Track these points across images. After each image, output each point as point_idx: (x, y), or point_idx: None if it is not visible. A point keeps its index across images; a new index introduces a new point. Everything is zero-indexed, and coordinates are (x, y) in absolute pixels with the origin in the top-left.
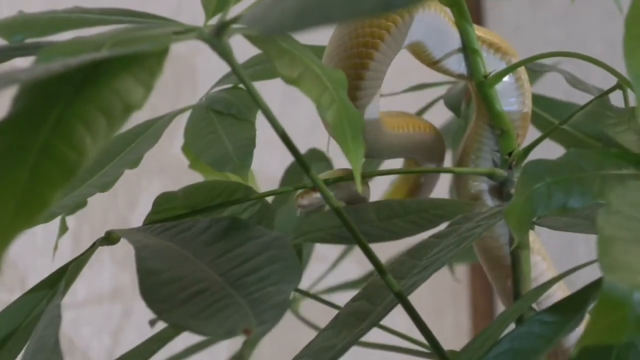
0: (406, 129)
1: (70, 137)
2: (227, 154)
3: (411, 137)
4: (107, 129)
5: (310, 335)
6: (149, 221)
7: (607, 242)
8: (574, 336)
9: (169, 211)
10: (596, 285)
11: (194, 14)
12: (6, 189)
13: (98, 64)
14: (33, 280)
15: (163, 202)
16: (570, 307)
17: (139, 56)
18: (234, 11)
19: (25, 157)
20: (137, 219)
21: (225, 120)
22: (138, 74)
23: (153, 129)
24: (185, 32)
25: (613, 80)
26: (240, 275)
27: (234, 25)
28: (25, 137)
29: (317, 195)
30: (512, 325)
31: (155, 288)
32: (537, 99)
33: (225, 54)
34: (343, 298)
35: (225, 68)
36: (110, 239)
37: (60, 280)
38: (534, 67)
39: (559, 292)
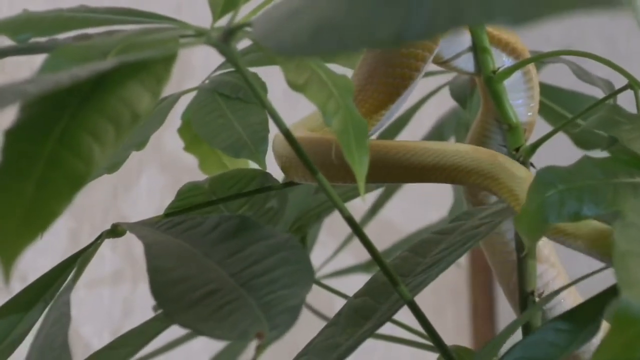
0: None
1: (78, 147)
2: (240, 139)
3: None
4: (115, 137)
5: (312, 320)
6: (170, 210)
7: (623, 257)
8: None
9: (191, 199)
10: (611, 292)
11: (195, 12)
12: (13, 201)
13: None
14: (33, 280)
15: (187, 192)
16: (585, 315)
17: (146, 62)
18: (241, 12)
19: (31, 167)
20: (137, 219)
21: (234, 104)
22: (145, 80)
23: (157, 111)
24: (193, 36)
25: (615, 81)
26: (251, 277)
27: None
28: (31, 147)
29: None
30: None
31: (166, 287)
32: (544, 89)
33: (234, 59)
34: (344, 283)
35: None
36: (116, 231)
37: (61, 276)
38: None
39: (564, 291)
